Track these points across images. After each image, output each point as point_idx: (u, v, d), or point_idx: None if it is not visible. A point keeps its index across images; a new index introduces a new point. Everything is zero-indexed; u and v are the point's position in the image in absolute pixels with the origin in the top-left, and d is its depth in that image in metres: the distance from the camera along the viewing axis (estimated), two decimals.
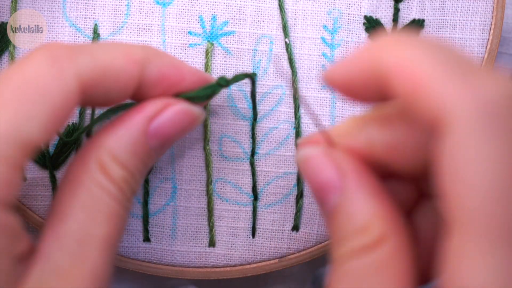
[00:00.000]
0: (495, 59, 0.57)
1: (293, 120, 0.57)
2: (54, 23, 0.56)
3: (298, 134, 0.57)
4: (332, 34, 0.57)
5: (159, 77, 0.48)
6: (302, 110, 0.57)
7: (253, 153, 0.57)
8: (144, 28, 0.56)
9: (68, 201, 0.45)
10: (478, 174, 0.34)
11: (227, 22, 0.56)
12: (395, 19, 0.57)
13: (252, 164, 0.57)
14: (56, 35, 0.56)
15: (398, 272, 0.39)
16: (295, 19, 0.57)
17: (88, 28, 0.56)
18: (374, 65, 0.39)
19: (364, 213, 0.40)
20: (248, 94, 0.57)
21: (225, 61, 0.57)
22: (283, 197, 0.58)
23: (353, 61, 0.41)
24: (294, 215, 0.58)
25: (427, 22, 0.57)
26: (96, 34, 0.56)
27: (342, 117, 0.57)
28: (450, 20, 0.57)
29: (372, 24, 0.56)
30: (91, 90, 0.45)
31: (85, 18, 0.56)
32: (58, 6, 0.56)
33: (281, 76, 0.56)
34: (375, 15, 0.57)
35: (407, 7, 0.57)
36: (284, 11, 0.56)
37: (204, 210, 0.58)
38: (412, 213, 0.44)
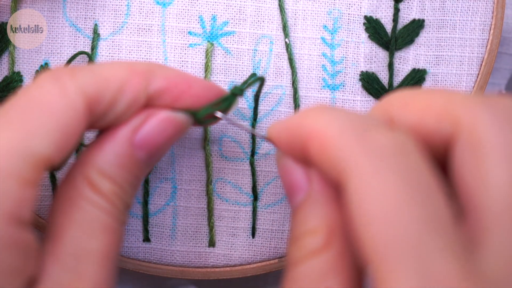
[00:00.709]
0: (495, 59, 0.57)
1: None
2: (54, 23, 0.56)
3: None
4: (332, 34, 0.57)
5: (165, 86, 0.48)
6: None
7: (253, 153, 0.57)
8: (144, 28, 0.56)
9: (61, 220, 0.45)
10: (374, 210, 0.38)
11: (227, 22, 0.56)
12: (395, 19, 0.57)
13: (252, 164, 0.57)
14: (56, 35, 0.56)
15: (343, 276, 0.42)
16: (295, 19, 0.57)
17: (88, 28, 0.56)
18: (298, 131, 0.44)
19: (317, 217, 0.44)
20: (249, 94, 0.57)
21: (225, 61, 0.57)
22: (283, 197, 0.58)
23: (286, 125, 0.46)
24: None
25: (427, 22, 0.57)
26: (96, 34, 0.56)
27: None
28: (450, 20, 0.57)
29: (372, 24, 0.56)
30: (97, 105, 0.45)
31: (85, 18, 0.56)
32: (58, 6, 0.56)
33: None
34: (375, 15, 0.57)
35: (407, 7, 0.57)
36: (284, 11, 0.56)
37: (204, 210, 0.58)
38: None
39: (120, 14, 0.56)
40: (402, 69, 0.57)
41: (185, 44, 0.56)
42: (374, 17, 0.57)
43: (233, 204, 0.58)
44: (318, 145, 0.42)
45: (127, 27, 0.56)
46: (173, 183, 0.57)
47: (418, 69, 0.57)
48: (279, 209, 0.58)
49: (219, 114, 0.50)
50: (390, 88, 0.57)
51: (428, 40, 0.57)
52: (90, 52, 0.56)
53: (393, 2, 0.57)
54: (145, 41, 0.56)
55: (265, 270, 0.58)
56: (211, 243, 0.58)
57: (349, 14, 0.56)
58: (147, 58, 0.56)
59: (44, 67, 0.56)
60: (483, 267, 0.38)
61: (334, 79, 0.57)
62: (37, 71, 0.56)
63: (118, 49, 0.56)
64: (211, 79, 0.57)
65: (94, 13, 0.56)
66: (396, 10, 0.57)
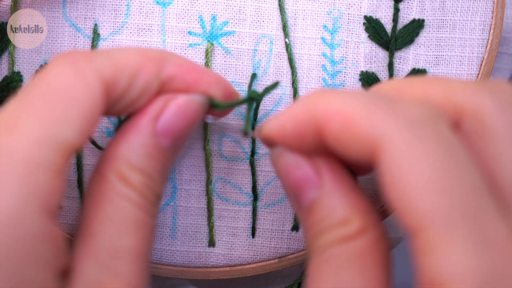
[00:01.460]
0: (495, 59, 0.57)
1: None
2: (54, 23, 0.56)
3: None
4: (332, 34, 0.57)
5: (177, 73, 0.48)
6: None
7: (253, 153, 0.57)
8: (144, 28, 0.56)
9: (94, 216, 0.45)
10: (417, 178, 0.38)
11: (227, 22, 0.56)
12: (395, 19, 0.57)
13: (252, 164, 0.57)
14: (56, 35, 0.56)
15: (377, 260, 0.42)
16: (295, 19, 0.57)
17: (88, 28, 0.56)
18: (309, 116, 0.43)
19: (344, 207, 0.43)
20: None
21: (225, 61, 0.57)
22: (283, 197, 0.58)
23: (289, 114, 0.45)
24: (294, 215, 0.58)
25: (427, 22, 0.57)
26: (96, 34, 0.56)
27: None
28: (450, 20, 0.57)
29: (372, 24, 0.56)
30: (114, 90, 0.45)
31: (85, 18, 0.56)
32: (58, 6, 0.56)
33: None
34: (375, 15, 0.57)
35: (407, 7, 0.57)
36: (284, 11, 0.56)
37: (204, 210, 0.58)
38: None
39: (120, 14, 0.56)
40: (402, 69, 0.57)
41: (185, 44, 0.56)
42: (374, 17, 0.57)
43: (233, 204, 0.58)
44: (341, 124, 0.42)
45: (127, 27, 0.56)
46: (173, 183, 0.57)
47: (418, 69, 0.57)
48: (279, 209, 0.58)
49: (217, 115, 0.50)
50: None
51: (428, 40, 0.57)
52: None
53: (393, 2, 0.57)
54: (145, 41, 0.56)
55: (265, 270, 0.58)
56: (211, 243, 0.58)
57: (349, 14, 0.56)
58: None
59: (44, 66, 0.56)
60: None
61: (334, 79, 0.57)
62: (37, 71, 0.56)
63: None
64: None
65: (94, 13, 0.56)
66: (396, 10, 0.57)
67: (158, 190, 0.47)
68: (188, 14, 0.56)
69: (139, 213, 0.45)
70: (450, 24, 0.57)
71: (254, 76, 0.56)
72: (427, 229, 0.38)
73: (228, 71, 0.57)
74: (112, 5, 0.56)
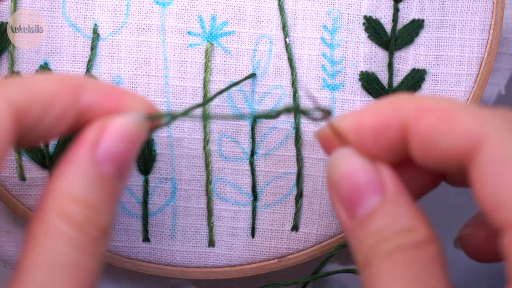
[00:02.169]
0: (495, 59, 0.57)
1: (293, 120, 0.57)
2: (54, 23, 0.56)
3: (297, 134, 0.57)
4: (331, 34, 0.57)
5: (97, 98, 0.45)
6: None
7: (252, 153, 0.57)
8: (143, 28, 0.56)
9: (27, 259, 0.42)
10: None
11: (227, 22, 0.56)
12: (395, 19, 0.57)
13: (251, 164, 0.57)
14: (55, 35, 0.56)
15: (444, 270, 0.42)
16: (294, 19, 0.57)
17: (88, 28, 0.56)
18: (395, 113, 0.43)
19: (410, 215, 0.43)
20: (248, 94, 0.57)
21: (224, 61, 0.57)
22: (283, 197, 0.58)
23: (372, 109, 0.44)
24: (293, 215, 0.58)
25: (427, 22, 0.57)
26: (95, 34, 0.56)
27: None
28: (450, 20, 0.57)
29: (371, 24, 0.56)
30: (27, 118, 0.43)
31: (84, 18, 0.56)
32: (58, 6, 0.56)
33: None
34: (375, 15, 0.56)
35: (407, 7, 0.57)
36: (284, 11, 0.56)
37: (204, 210, 0.58)
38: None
39: (120, 14, 0.56)
40: (402, 69, 0.57)
41: (185, 44, 0.56)
42: (374, 17, 0.57)
43: (232, 204, 0.58)
44: (439, 119, 0.41)
45: (126, 27, 0.56)
46: (173, 183, 0.57)
47: (418, 69, 0.57)
48: (278, 209, 0.58)
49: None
50: (390, 88, 0.57)
51: (427, 40, 0.57)
52: (90, 52, 0.56)
53: (392, 2, 0.56)
54: (145, 41, 0.56)
55: (265, 270, 0.58)
56: (211, 243, 0.58)
57: (348, 14, 0.56)
58: (146, 58, 0.56)
59: (44, 67, 0.56)
60: None
61: (334, 79, 0.57)
62: (36, 71, 0.56)
63: (118, 49, 0.56)
64: (211, 79, 0.57)
65: (93, 13, 0.56)
66: (396, 10, 0.56)
67: (105, 222, 0.44)
68: (187, 14, 0.56)
69: (76, 254, 0.42)
70: (449, 24, 0.57)
71: (252, 75, 0.56)
72: None
73: (228, 71, 0.57)
74: (112, 5, 0.56)
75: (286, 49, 0.57)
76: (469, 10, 0.56)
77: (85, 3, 0.56)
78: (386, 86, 0.57)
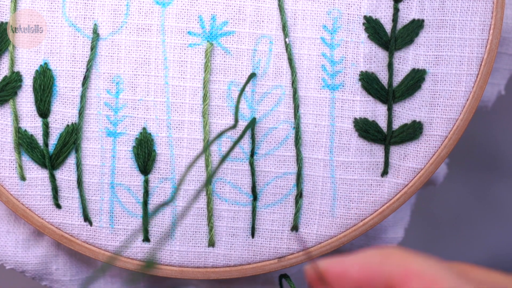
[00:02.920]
0: (495, 59, 0.57)
1: (293, 120, 0.57)
2: (54, 23, 0.56)
3: (297, 134, 0.57)
4: (331, 34, 0.57)
5: None
6: (301, 110, 0.57)
7: (252, 153, 0.57)
8: (143, 28, 0.56)
9: None
10: None
11: (227, 22, 0.56)
12: (395, 19, 0.57)
13: (251, 164, 0.57)
14: (55, 35, 0.56)
15: None
16: (294, 19, 0.57)
17: (88, 28, 0.56)
18: (382, 270, 0.42)
19: None
20: (248, 94, 0.57)
21: (224, 61, 0.57)
22: (283, 197, 0.58)
23: (359, 261, 0.43)
24: (293, 215, 0.58)
25: (427, 22, 0.57)
26: (95, 34, 0.56)
27: (341, 117, 0.57)
28: (450, 20, 0.57)
29: (371, 24, 0.56)
30: None
31: (84, 18, 0.56)
32: (58, 6, 0.56)
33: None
34: (375, 15, 0.56)
35: (407, 7, 0.57)
36: (284, 11, 0.56)
37: (204, 210, 0.58)
38: None
39: (120, 14, 0.56)
40: (402, 69, 0.57)
41: (185, 44, 0.56)
42: (374, 17, 0.57)
43: (232, 204, 0.58)
44: (420, 284, 0.41)
45: (126, 27, 0.56)
46: (173, 183, 0.57)
47: (418, 69, 0.57)
48: (278, 209, 0.58)
49: None
50: (390, 88, 0.57)
51: (427, 40, 0.57)
52: (90, 52, 0.56)
53: (392, 2, 0.56)
54: (145, 41, 0.56)
55: (264, 270, 0.58)
56: (211, 243, 0.58)
57: (348, 14, 0.56)
58: (146, 58, 0.56)
59: (44, 67, 0.56)
60: None
61: (334, 79, 0.57)
62: (36, 71, 0.56)
63: (118, 49, 0.56)
64: (211, 79, 0.57)
65: (93, 13, 0.56)
66: (396, 10, 0.56)
67: None
68: (187, 14, 0.56)
69: None
70: (449, 24, 0.57)
71: (252, 75, 0.56)
72: None
73: (228, 71, 0.57)
74: (112, 5, 0.56)
75: (286, 49, 0.57)
76: (469, 10, 0.56)
77: (85, 3, 0.56)
78: (386, 86, 0.57)
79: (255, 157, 0.57)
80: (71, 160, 0.57)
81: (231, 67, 0.57)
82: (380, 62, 0.57)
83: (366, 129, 0.57)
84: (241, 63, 0.57)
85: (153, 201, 0.57)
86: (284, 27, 0.56)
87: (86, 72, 0.56)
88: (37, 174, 0.57)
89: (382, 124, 0.57)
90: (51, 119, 0.57)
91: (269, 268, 0.58)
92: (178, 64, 0.56)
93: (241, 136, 0.54)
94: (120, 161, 0.57)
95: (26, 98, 0.57)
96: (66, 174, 0.57)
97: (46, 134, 0.57)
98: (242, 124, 0.57)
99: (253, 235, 0.58)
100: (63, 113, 0.57)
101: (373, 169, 0.58)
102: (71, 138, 0.57)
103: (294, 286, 0.54)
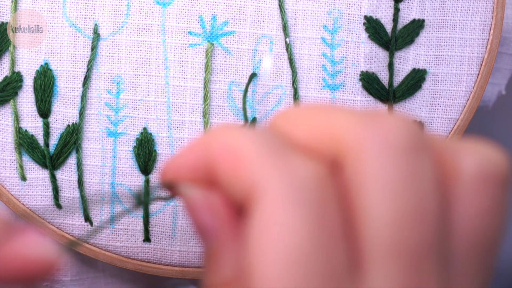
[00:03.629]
0: (495, 59, 0.57)
1: None
2: (54, 23, 0.56)
3: None
4: (332, 34, 0.57)
5: None
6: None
7: None
8: (144, 28, 0.56)
9: None
10: (276, 248, 0.35)
11: (227, 22, 0.56)
12: (395, 19, 0.57)
13: None
14: (56, 35, 0.56)
15: None
16: (295, 19, 0.57)
17: (88, 28, 0.56)
18: (205, 152, 0.39)
19: (229, 268, 0.39)
20: (249, 94, 0.57)
21: (225, 61, 0.57)
22: None
23: (186, 154, 0.40)
24: None
25: (427, 22, 0.57)
26: (96, 34, 0.56)
27: None
28: (450, 20, 0.57)
29: (372, 24, 0.56)
30: None
31: (85, 18, 0.56)
32: (58, 6, 0.56)
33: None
34: (375, 15, 0.57)
35: (407, 7, 0.57)
36: (284, 11, 0.56)
37: None
38: None
39: (120, 14, 0.56)
40: (402, 69, 0.57)
41: (185, 44, 0.56)
42: (374, 17, 0.57)
43: None
44: (230, 163, 0.38)
45: (127, 27, 0.56)
46: None
47: (418, 69, 0.57)
48: None
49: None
50: (390, 88, 0.57)
51: (428, 40, 0.57)
52: (90, 52, 0.56)
53: (393, 2, 0.56)
54: (145, 41, 0.56)
55: None
56: None
57: (349, 14, 0.56)
58: (147, 58, 0.56)
59: (44, 67, 0.56)
60: None
61: (334, 79, 0.57)
62: (37, 71, 0.56)
63: (118, 49, 0.56)
64: (211, 79, 0.57)
65: (94, 13, 0.56)
66: (396, 10, 0.56)
67: None
68: (188, 14, 0.56)
69: None
70: (450, 24, 0.57)
71: (253, 76, 0.56)
72: None
73: (228, 71, 0.57)
74: (112, 5, 0.56)
75: (287, 49, 0.57)
76: (469, 10, 0.56)
77: (86, 3, 0.56)
78: (387, 86, 0.57)
79: None
80: (71, 160, 0.57)
81: (232, 67, 0.57)
82: (381, 62, 0.57)
83: None
84: (241, 63, 0.57)
85: (154, 201, 0.57)
86: (285, 27, 0.56)
87: (86, 72, 0.56)
88: (37, 174, 0.57)
89: None
90: (51, 119, 0.57)
91: None
92: (179, 64, 0.56)
93: (246, 89, 0.53)
94: (121, 161, 0.57)
95: (26, 98, 0.57)
96: (66, 174, 0.57)
97: (46, 134, 0.57)
98: (241, 123, 0.57)
99: None
100: (63, 113, 0.57)
101: None
102: (72, 138, 0.57)
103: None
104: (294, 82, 0.57)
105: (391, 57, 0.57)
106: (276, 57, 0.57)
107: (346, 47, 0.57)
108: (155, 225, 0.58)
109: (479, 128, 1.05)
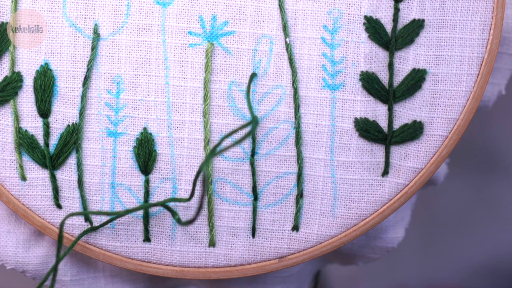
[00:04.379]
0: (495, 59, 0.57)
1: (293, 120, 0.57)
2: (54, 23, 0.56)
3: (298, 134, 0.57)
4: (332, 34, 0.57)
5: None
6: (302, 110, 0.57)
7: (253, 153, 0.57)
8: (144, 28, 0.56)
9: None
10: None
11: (227, 22, 0.56)
12: (395, 19, 0.57)
13: (252, 164, 0.57)
14: (56, 35, 0.56)
15: None
16: (295, 19, 0.57)
17: (88, 28, 0.56)
18: None
19: None
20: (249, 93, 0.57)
21: (225, 61, 0.57)
22: (283, 197, 0.58)
23: None
24: (294, 215, 0.58)
25: (427, 22, 0.57)
26: (96, 34, 0.56)
27: (342, 117, 0.57)
28: (450, 20, 0.57)
29: (372, 24, 0.56)
30: None
31: (85, 18, 0.56)
32: (58, 6, 0.56)
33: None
34: (375, 15, 0.57)
35: (407, 7, 0.57)
36: (284, 11, 0.56)
37: (204, 210, 0.58)
38: None
39: (120, 14, 0.56)
40: (402, 69, 0.57)
41: (185, 44, 0.56)
42: (374, 17, 0.57)
43: (233, 204, 0.58)
44: None
45: (127, 27, 0.56)
46: (174, 183, 0.57)
47: (418, 69, 0.57)
48: (279, 209, 0.58)
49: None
50: (390, 88, 0.57)
51: (428, 40, 0.57)
52: (90, 52, 0.56)
53: (393, 2, 0.57)
54: (145, 41, 0.56)
55: (265, 270, 0.58)
56: (211, 243, 0.58)
57: (349, 14, 0.56)
58: (147, 58, 0.56)
59: (44, 67, 0.56)
60: None
61: (334, 79, 0.57)
62: (37, 71, 0.56)
63: (118, 49, 0.56)
64: (211, 79, 0.57)
65: (94, 13, 0.56)
66: (396, 10, 0.57)
67: None
68: (188, 14, 0.56)
69: None
70: (450, 24, 0.57)
71: (253, 75, 0.56)
72: None
73: (228, 71, 0.57)
74: (112, 5, 0.56)
75: (287, 49, 0.57)
76: (469, 10, 0.56)
77: (86, 3, 0.56)
78: (387, 86, 0.57)
79: (255, 157, 0.57)
80: (71, 160, 0.57)
81: (232, 67, 0.57)
82: (381, 62, 0.57)
83: (366, 129, 0.57)
84: (241, 63, 0.57)
85: (154, 201, 0.57)
86: (285, 27, 0.56)
87: (86, 72, 0.56)
88: (37, 174, 0.57)
89: (383, 124, 0.57)
90: (51, 119, 0.57)
91: (270, 268, 0.58)
92: (179, 64, 0.57)
93: (245, 137, 0.53)
94: (121, 161, 0.57)
95: (26, 98, 0.57)
96: (66, 174, 0.57)
97: (46, 134, 0.57)
98: (242, 123, 0.57)
99: (253, 235, 0.58)
100: (63, 113, 0.57)
101: (373, 169, 0.58)
102: (72, 138, 0.57)
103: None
104: (294, 82, 0.57)
105: (391, 57, 0.57)
106: (277, 57, 0.57)
107: (346, 47, 0.57)
108: (155, 225, 0.58)
109: (479, 128, 1.05)
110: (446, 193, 1.05)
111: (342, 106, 0.57)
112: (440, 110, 0.57)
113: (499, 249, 1.07)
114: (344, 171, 0.58)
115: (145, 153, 0.57)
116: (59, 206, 0.57)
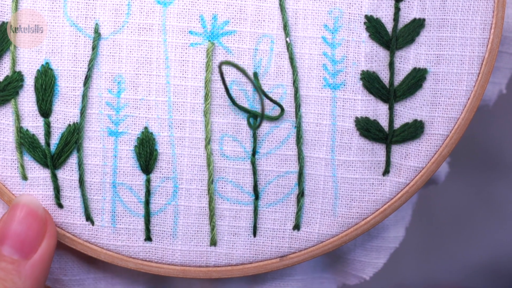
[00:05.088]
0: (496, 58, 0.57)
1: (294, 119, 0.57)
2: (55, 23, 0.56)
3: (299, 133, 0.57)
4: (333, 33, 0.57)
5: None
6: (303, 109, 0.57)
7: (254, 152, 0.57)
8: (145, 28, 0.56)
9: None
10: None
11: (228, 22, 0.56)
12: (396, 18, 0.57)
13: (253, 163, 0.57)
14: (56, 35, 0.56)
15: None
16: (295, 18, 0.57)
17: (89, 27, 0.56)
18: None
19: None
20: (249, 93, 0.57)
21: None
22: (284, 196, 0.58)
23: None
24: (295, 214, 0.58)
25: (428, 21, 0.57)
26: (97, 34, 0.56)
27: (343, 116, 0.57)
28: (451, 19, 0.57)
29: (372, 24, 0.56)
30: None
31: (86, 17, 0.56)
32: (59, 6, 0.56)
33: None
34: (376, 14, 0.57)
35: (408, 7, 0.57)
36: (285, 11, 0.56)
37: (205, 210, 0.58)
38: None
39: (121, 14, 0.56)
40: (403, 68, 0.57)
41: (186, 43, 0.57)
42: (375, 16, 0.57)
43: (234, 203, 0.58)
44: None
45: (127, 27, 0.56)
46: (175, 182, 0.57)
47: (419, 68, 0.57)
48: (280, 208, 0.58)
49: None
50: (391, 87, 0.57)
51: (428, 39, 0.57)
52: (91, 52, 0.56)
53: (393, 2, 0.57)
54: (146, 41, 0.56)
55: (266, 269, 0.58)
56: (212, 242, 0.58)
57: (349, 13, 0.57)
58: (148, 58, 0.56)
59: (45, 66, 0.56)
60: None
61: (335, 78, 0.57)
62: (38, 71, 0.56)
63: (119, 48, 0.56)
64: (212, 78, 0.57)
65: (95, 12, 0.56)
66: (397, 9, 0.57)
67: None
68: (189, 14, 0.56)
69: None
70: (451, 23, 0.57)
71: (254, 76, 0.56)
72: None
73: (229, 71, 0.57)
74: (113, 4, 0.56)
75: (287, 49, 0.57)
76: (470, 9, 0.57)
77: (86, 3, 0.56)
78: (387, 85, 0.57)
79: (256, 156, 0.57)
80: (72, 160, 0.57)
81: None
82: (381, 61, 0.57)
83: (367, 128, 0.57)
84: (242, 62, 0.57)
85: (155, 201, 0.57)
86: (285, 27, 0.56)
87: (87, 72, 0.56)
88: (39, 173, 0.57)
89: (384, 123, 0.57)
90: (52, 118, 0.57)
91: (271, 267, 0.58)
92: (180, 63, 0.57)
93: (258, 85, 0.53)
94: (122, 160, 0.57)
95: (27, 98, 0.57)
96: (68, 173, 0.57)
97: (47, 133, 0.57)
98: (242, 123, 0.57)
99: (255, 234, 0.58)
100: (64, 113, 0.57)
101: (374, 168, 0.58)
102: (73, 138, 0.57)
103: (241, 68, 0.52)
104: (295, 81, 0.57)
105: (392, 56, 0.57)
106: (277, 56, 0.57)
107: (347, 46, 0.57)
108: (156, 224, 0.58)
109: (480, 127, 1.05)
110: (447, 192, 1.05)
111: (343, 105, 0.57)
112: (441, 109, 0.57)
113: (500, 249, 1.07)
114: (345, 170, 0.58)
115: (146, 153, 0.57)
116: (60, 205, 0.58)
